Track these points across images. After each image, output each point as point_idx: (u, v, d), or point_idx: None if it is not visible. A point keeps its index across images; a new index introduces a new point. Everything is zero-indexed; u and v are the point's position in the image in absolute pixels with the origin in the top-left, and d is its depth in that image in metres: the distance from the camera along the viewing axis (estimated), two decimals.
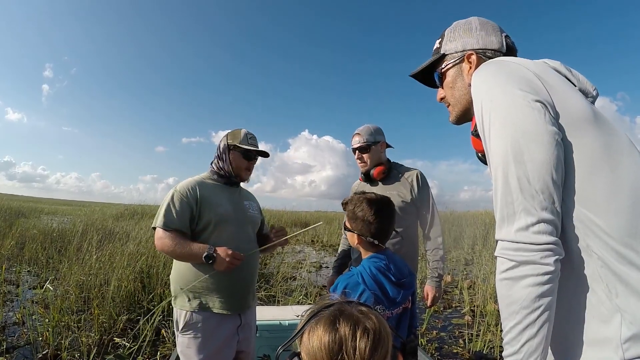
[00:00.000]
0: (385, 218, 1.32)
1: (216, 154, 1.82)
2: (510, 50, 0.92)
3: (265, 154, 1.86)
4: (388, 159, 2.14)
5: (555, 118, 0.70)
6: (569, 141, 0.70)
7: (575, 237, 0.68)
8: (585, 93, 0.80)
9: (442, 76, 0.98)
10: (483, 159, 0.88)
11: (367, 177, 2.10)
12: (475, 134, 0.86)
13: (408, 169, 2.09)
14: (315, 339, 0.64)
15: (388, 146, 2.13)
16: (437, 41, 1.01)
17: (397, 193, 1.99)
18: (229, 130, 1.84)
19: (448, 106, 0.99)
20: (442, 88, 1.00)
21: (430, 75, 1.03)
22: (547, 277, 0.64)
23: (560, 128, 0.70)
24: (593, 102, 0.81)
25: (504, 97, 0.72)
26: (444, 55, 0.97)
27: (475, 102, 0.77)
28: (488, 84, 0.76)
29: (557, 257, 0.65)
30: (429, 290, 2.00)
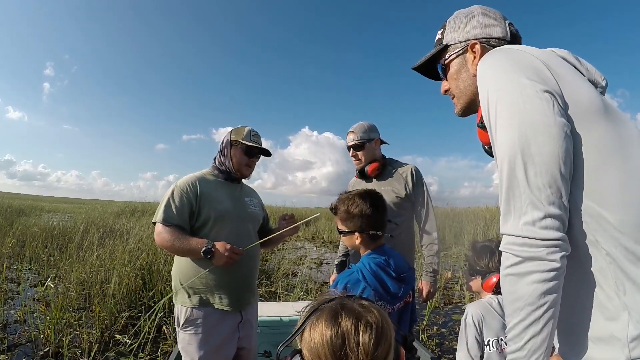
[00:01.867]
0: (380, 207, 1.34)
1: (219, 149, 1.82)
2: (514, 38, 0.89)
3: (267, 153, 1.86)
4: (383, 155, 2.14)
5: (564, 109, 0.68)
6: (578, 133, 0.67)
7: (584, 232, 0.66)
8: (594, 83, 0.78)
9: (446, 68, 0.95)
10: (490, 152, 0.86)
11: (362, 174, 2.11)
12: (482, 126, 0.83)
13: (403, 165, 2.10)
14: (317, 335, 0.63)
15: (383, 142, 2.13)
16: (439, 32, 0.97)
17: (391, 189, 1.99)
18: (233, 127, 1.86)
19: (453, 98, 0.96)
20: (446, 80, 0.97)
21: (433, 68, 1.00)
22: (553, 273, 0.62)
23: (569, 119, 0.67)
24: (602, 93, 0.78)
25: (511, 87, 0.70)
26: (446, 46, 0.94)
27: (481, 92, 0.75)
28: (494, 73, 0.74)
29: (563, 253, 0.63)
30: (424, 285, 2.00)
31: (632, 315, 0.61)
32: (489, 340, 1.32)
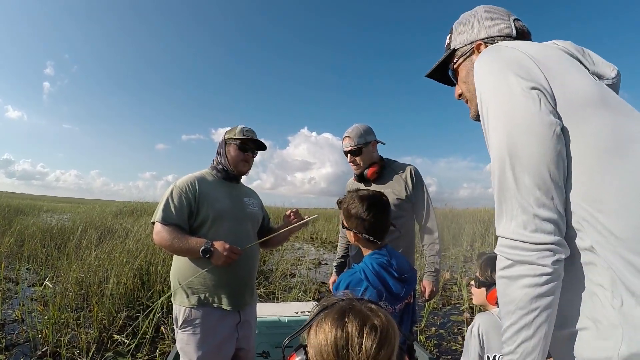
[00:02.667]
0: (378, 214, 1.30)
1: (217, 151, 1.84)
2: (521, 34, 0.86)
3: (262, 146, 1.86)
4: (381, 157, 2.13)
5: (554, 106, 0.65)
6: (570, 130, 0.64)
7: (580, 238, 0.63)
8: (601, 75, 0.74)
9: (456, 72, 0.94)
10: None
11: (361, 178, 2.09)
12: None
13: (402, 165, 2.08)
14: (322, 334, 0.64)
15: (379, 142, 2.11)
16: (447, 37, 0.96)
17: (391, 191, 1.98)
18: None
19: (466, 102, 0.94)
20: (458, 84, 0.95)
21: (446, 73, 0.99)
22: (544, 278, 0.60)
23: (559, 116, 0.64)
24: (615, 85, 0.75)
25: (498, 86, 0.68)
26: (454, 50, 0.93)
27: (477, 93, 0.74)
28: (484, 73, 0.73)
29: (557, 257, 0.61)
30: (426, 284, 1.99)
31: (625, 332, 0.56)
32: (494, 356, 1.29)
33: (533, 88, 0.65)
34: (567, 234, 0.65)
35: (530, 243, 0.62)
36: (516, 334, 0.63)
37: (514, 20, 0.88)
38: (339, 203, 1.39)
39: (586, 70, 0.72)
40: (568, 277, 0.64)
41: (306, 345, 0.68)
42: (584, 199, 0.62)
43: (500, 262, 0.66)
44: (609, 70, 0.75)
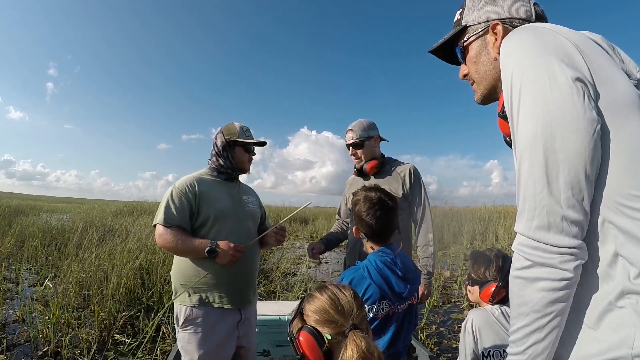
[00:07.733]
0: (385, 221, 1.31)
1: (214, 151, 1.81)
2: (540, 20, 0.81)
3: (263, 144, 1.88)
4: (382, 154, 2.14)
5: (595, 100, 0.60)
6: (608, 129, 0.60)
7: (605, 241, 0.61)
8: (628, 75, 0.69)
9: (465, 50, 0.88)
10: (511, 144, 0.77)
11: (360, 172, 2.10)
12: (503, 116, 0.76)
13: (402, 164, 2.09)
14: (317, 301, 0.87)
15: (382, 139, 2.12)
16: (458, 12, 0.90)
17: (388, 187, 1.97)
18: (222, 127, 1.85)
19: (472, 84, 0.90)
20: (465, 63, 0.90)
21: (452, 51, 0.93)
22: (563, 283, 0.58)
23: (599, 113, 0.60)
24: (637, 87, 0.71)
25: (538, 71, 0.63)
26: (465, 27, 0.87)
27: (504, 74, 0.68)
28: (519, 54, 0.67)
29: (578, 262, 0.59)
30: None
31: (639, 330, 0.55)
32: (489, 351, 1.29)
33: (577, 79, 0.60)
34: (593, 238, 0.62)
35: (554, 245, 0.59)
36: (528, 336, 0.62)
37: (534, 4, 0.83)
38: (353, 195, 1.39)
39: (620, 68, 0.69)
40: (591, 280, 0.62)
41: (302, 327, 0.85)
42: (615, 204, 0.60)
43: (517, 261, 0.64)
44: (635, 70, 0.71)
